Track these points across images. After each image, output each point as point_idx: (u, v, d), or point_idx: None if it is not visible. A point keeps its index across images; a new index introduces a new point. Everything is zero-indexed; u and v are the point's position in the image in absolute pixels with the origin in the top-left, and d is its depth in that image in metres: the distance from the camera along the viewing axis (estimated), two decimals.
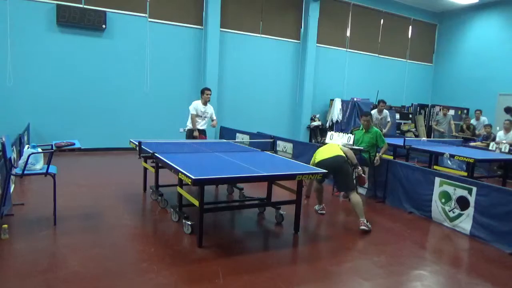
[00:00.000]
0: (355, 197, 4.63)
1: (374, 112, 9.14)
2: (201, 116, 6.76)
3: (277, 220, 4.69)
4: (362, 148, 5.83)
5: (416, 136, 12.63)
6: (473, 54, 13.07)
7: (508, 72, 11.96)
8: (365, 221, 4.52)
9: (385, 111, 9.26)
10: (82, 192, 5.51)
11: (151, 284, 3.05)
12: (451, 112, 12.04)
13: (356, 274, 3.43)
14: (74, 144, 4.55)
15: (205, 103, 6.74)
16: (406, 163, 6.27)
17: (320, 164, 4.70)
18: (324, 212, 5.13)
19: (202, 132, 6.86)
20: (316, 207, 5.22)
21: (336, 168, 4.73)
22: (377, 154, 5.93)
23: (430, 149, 7.30)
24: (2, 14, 7.96)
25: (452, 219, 4.83)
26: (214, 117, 6.94)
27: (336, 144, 5.22)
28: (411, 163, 6.86)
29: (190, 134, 6.79)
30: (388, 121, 9.34)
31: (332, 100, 12.17)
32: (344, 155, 4.87)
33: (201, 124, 6.81)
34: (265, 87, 11.28)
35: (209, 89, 6.78)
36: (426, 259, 3.91)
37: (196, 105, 6.73)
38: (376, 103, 11.87)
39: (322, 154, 4.91)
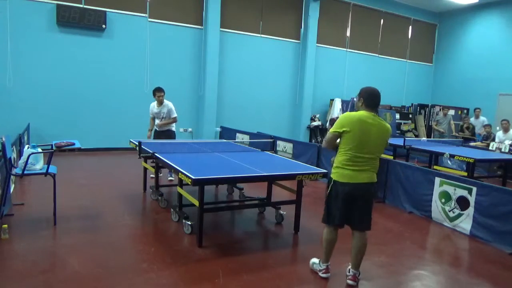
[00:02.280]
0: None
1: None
2: (158, 118, 6.44)
3: (277, 220, 4.69)
4: None
5: (416, 136, 12.63)
6: (473, 54, 13.07)
7: (508, 72, 11.95)
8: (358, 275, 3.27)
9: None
10: (82, 192, 5.51)
11: (151, 284, 3.05)
12: (451, 112, 12.04)
13: None
14: (74, 144, 4.55)
15: (159, 104, 6.42)
16: (406, 163, 6.27)
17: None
18: (326, 275, 3.31)
19: (163, 134, 6.43)
20: (316, 263, 3.40)
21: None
22: None
23: (430, 149, 7.30)
24: (2, 14, 7.95)
25: (452, 219, 4.83)
26: (172, 115, 6.40)
27: None
28: (411, 163, 6.85)
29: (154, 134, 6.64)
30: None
31: (332, 100, 12.17)
32: None
33: (157, 126, 6.48)
34: (265, 87, 11.28)
35: (159, 90, 6.37)
36: (426, 259, 3.92)
37: (150, 107, 6.54)
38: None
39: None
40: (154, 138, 6.47)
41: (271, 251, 3.97)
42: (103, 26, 8.77)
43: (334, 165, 3.14)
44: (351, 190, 3.05)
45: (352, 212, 3.13)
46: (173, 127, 6.59)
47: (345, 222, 3.16)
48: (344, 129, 2.99)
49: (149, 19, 9.47)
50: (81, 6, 8.59)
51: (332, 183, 3.13)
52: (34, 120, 8.38)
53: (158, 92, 6.37)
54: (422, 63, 14.28)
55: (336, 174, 3.10)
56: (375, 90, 3.10)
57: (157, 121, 6.46)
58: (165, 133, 6.45)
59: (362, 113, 3.03)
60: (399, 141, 7.94)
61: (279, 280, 3.21)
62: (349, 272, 3.27)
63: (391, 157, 7.78)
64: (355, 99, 11.58)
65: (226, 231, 4.51)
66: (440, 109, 12.18)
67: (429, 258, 3.98)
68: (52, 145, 4.44)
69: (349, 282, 3.23)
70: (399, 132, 12.44)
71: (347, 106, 11.77)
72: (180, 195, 4.36)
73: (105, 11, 8.80)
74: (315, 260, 3.45)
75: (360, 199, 3.10)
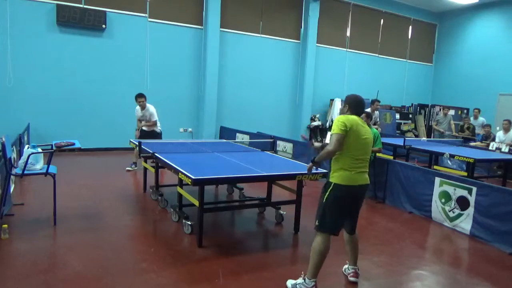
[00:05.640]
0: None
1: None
2: (143, 120, 7.04)
3: (277, 220, 4.69)
4: None
5: (416, 136, 12.62)
6: (473, 54, 13.07)
7: (508, 72, 11.95)
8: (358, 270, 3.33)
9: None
10: (82, 192, 5.51)
11: (151, 284, 3.05)
12: (451, 112, 12.04)
13: None
14: (74, 144, 4.55)
15: (141, 108, 6.98)
16: (406, 163, 6.27)
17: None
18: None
19: (149, 134, 6.94)
20: (299, 283, 3.05)
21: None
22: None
23: (430, 149, 7.30)
24: (2, 14, 7.95)
25: (452, 219, 4.83)
26: (152, 119, 6.97)
27: None
28: (411, 163, 6.85)
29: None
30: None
31: (332, 100, 12.17)
32: None
33: (144, 126, 7.01)
34: (265, 87, 11.27)
35: (140, 96, 6.92)
36: (426, 259, 3.92)
37: (136, 110, 7.11)
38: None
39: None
40: (141, 137, 6.78)
41: (271, 251, 3.97)
42: (103, 26, 8.77)
43: (335, 167, 2.97)
44: (355, 193, 2.98)
45: (348, 215, 3.11)
46: (157, 128, 7.12)
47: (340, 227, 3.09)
48: (349, 127, 2.88)
49: (149, 19, 9.47)
50: (81, 6, 8.59)
51: (331, 187, 2.95)
52: (34, 120, 8.38)
53: (139, 98, 6.94)
54: (422, 63, 14.28)
55: (339, 178, 2.93)
56: (361, 98, 3.12)
57: (143, 123, 7.03)
58: (151, 133, 6.97)
59: (354, 116, 3.01)
60: (399, 141, 7.94)
61: (279, 280, 3.20)
62: (349, 270, 3.31)
63: (391, 157, 7.78)
64: None
65: (226, 231, 4.51)
66: (440, 109, 12.18)
67: (429, 258, 3.98)
68: (52, 145, 4.44)
69: (352, 279, 3.26)
70: (399, 132, 12.44)
71: None
72: (180, 195, 4.36)
73: (105, 11, 8.79)
74: (295, 281, 3.07)
75: (358, 201, 3.11)
